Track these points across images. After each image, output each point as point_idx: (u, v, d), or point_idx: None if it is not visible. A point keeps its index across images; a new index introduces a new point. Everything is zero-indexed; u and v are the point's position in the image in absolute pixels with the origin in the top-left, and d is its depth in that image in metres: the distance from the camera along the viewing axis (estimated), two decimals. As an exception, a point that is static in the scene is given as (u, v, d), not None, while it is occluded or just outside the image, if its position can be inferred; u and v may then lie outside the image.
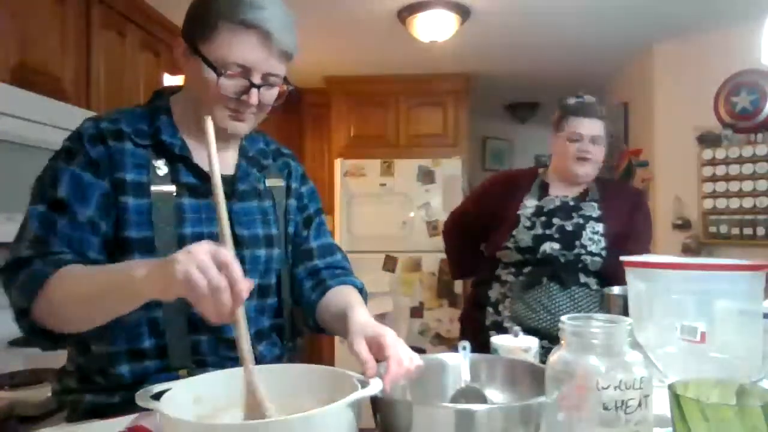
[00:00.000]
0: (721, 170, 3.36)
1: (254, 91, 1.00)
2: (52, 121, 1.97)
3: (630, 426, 0.66)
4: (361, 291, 1.17)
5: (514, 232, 1.77)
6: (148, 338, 0.99)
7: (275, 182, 1.18)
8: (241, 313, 0.77)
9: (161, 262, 0.78)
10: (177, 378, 0.97)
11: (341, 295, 1.10)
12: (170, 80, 2.91)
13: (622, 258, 1.27)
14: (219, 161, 1.07)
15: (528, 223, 1.78)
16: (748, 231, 3.26)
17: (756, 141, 3.26)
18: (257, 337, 1.09)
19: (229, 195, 1.07)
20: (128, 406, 0.93)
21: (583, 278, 1.72)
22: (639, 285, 1.19)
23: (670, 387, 0.67)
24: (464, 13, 3.10)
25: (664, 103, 3.63)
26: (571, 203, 1.80)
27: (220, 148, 1.09)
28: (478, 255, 2.05)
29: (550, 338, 1.48)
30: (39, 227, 0.95)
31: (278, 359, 1.14)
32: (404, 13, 3.11)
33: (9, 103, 1.79)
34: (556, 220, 1.76)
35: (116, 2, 2.48)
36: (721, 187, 3.37)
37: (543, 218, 1.77)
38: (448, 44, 3.38)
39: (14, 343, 2.10)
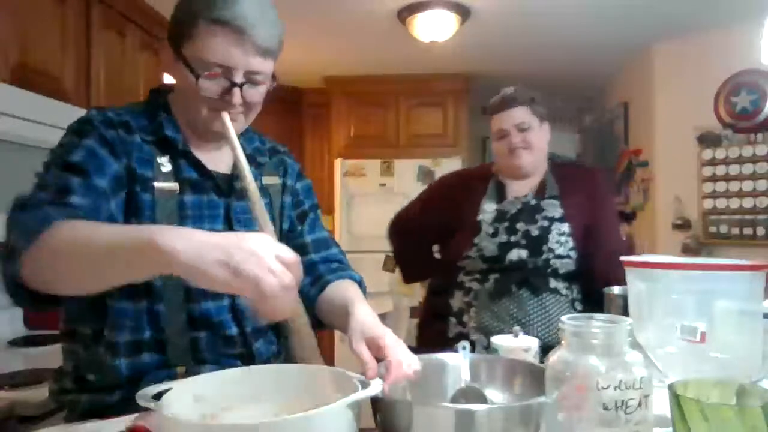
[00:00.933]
0: (721, 170, 3.36)
1: (236, 90, 0.99)
2: (52, 121, 1.97)
3: (630, 426, 0.66)
4: (360, 284, 1.17)
5: (476, 240, 1.69)
6: (148, 331, 0.99)
7: (271, 180, 1.18)
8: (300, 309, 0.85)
9: (214, 254, 0.70)
10: (175, 375, 0.97)
11: (340, 290, 1.10)
12: (170, 80, 2.91)
13: (623, 258, 1.26)
14: (214, 160, 1.08)
15: (491, 230, 1.69)
16: (748, 231, 3.26)
17: (756, 141, 3.26)
18: (255, 334, 1.09)
19: (227, 193, 1.08)
20: (126, 406, 0.93)
21: (552, 283, 1.65)
22: (639, 285, 1.19)
23: (670, 387, 0.67)
24: (464, 13, 3.10)
25: (664, 103, 3.63)
26: (533, 203, 1.72)
27: (214, 147, 1.09)
28: (430, 258, 1.97)
29: None
30: (56, 184, 0.90)
31: (276, 356, 1.14)
32: (404, 13, 3.12)
33: (9, 103, 1.78)
34: (520, 225, 1.68)
35: (116, 2, 2.48)
36: (721, 187, 3.37)
37: (506, 224, 1.69)
38: (448, 44, 3.38)
39: (14, 343, 2.10)
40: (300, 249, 1.18)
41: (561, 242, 1.66)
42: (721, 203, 3.36)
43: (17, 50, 1.94)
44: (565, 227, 1.67)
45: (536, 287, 1.62)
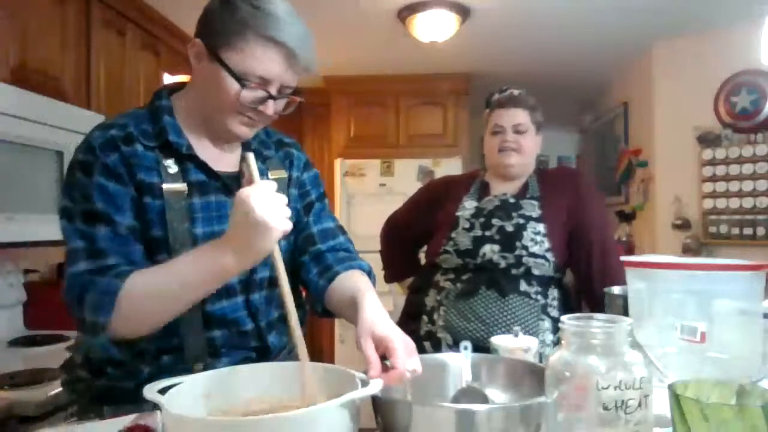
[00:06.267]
0: (721, 170, 3.36)
1: (271, 102, 1.02)
2: (52, 121, 1.97)
3: (630, 426, 0.66)
4: (369, 274, 1.17)
5: (452, 234, 1.69)
6: (165, 338, 1.00)
7: (277, 174, 1.18)
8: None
9: (241, 232, 0.89)
10: (191, 371, 0.98)
11: (350, 282, 1.10)
12: (170, 80, 2.91)
13: (623, 258, 1.27)
14: (219, 160, 1.09)
15: (467, 225, 1.69)
16: (748, 231, 3.26)
17: (756, 141, 3.26)
18: (268, 327, 1.11)
19: (235, 193, 1.09)
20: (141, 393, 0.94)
21: (523, 286, 1.62)
22: (639, 285, 1.19)
23: (670, 387, 0.67)
24: (464, 13, 3.10)
25: (663, 103, 3.63)
26: (512, 200, 1.71)
27: (225, 149, 1.11)
28: (412, 260, 2.00)
29: (482, 350, 1.38)
30: (86, 243, 0.96)
31: (288, 349, 1.16)
32: (404, 13, 3.11)
33: (9, 103, 1.79)
34: (495, 221, 1.67)
35: (116, 2, 2.48)
36: (721, 187, 3.37)
37: (482, 219, 1.69)
38: (448, 44, 3.38)
39: (14, 343, 2.10)
40: (308, 240, 1.19)
41: (536, 241, 1.63)
42: (721, 203, 3.36)
43: (17, 50, 1.94)
44: (541, 227, 1.65)
45: (504, 289, 1.60)
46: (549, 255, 1.63)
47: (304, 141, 4.64)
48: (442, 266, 1.72)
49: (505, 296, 1.60)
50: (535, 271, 1.62)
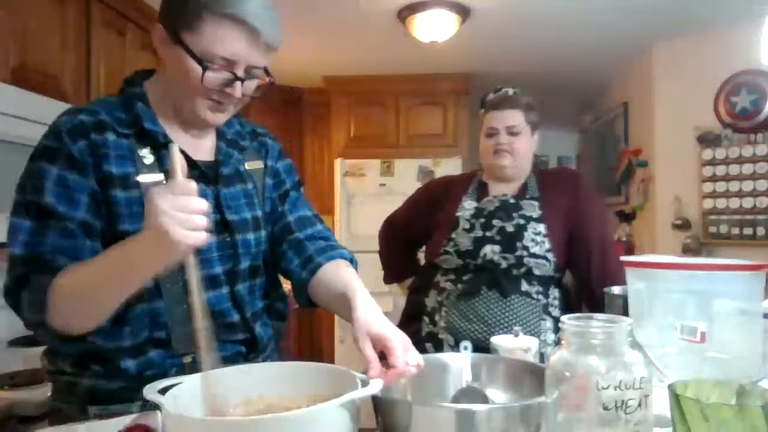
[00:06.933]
0: (721, 170, 3.36)
1: (238, 84, 0.99)
2: (52, 121, 1.97)
3: (630, 426, 0.66)
4: (352, 261, 1.16)
5: (453, 235, 1.69)
6: (151, 330, 0.99)
7: (254, 165, 1.17)
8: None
9: (147, 237, 0.80)
10: (181, 364, 0.99)
11: (336, 275, 1.08)
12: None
13: (623, 258, 1.26)
14: (195, 148, 1.07)
15: (467, 226, 1.69)
16: (748, 231, 3.26)
17: (756, 141, 3.26)
18: (253, 318, 1.10)
19: (215, 180, 1.07)
20: (129, 393, 0.94)
21: (524, 286, 1.61)
22: (639, 285, 1.19)
23: (670, 387, 0.67)
24: (464, 13, 3.10)
25: (663, 103, 3.63)
26: (512, 201, 1.71)
27: (197, 135, 1.09)
28: (411, 261, 1.99)
29: (484, 351, 1.38)
30: (27, 245, 0.93)
31: (272, 338, 1.16)
32: (404, 13, 3.11)
33: (9, 103, 1.79)
34: (496, 222, 1.67)
35: (116, 2, 2.48)
36: (721, 187, 3.37)
37: (483, 220, 1.68)
38: (448, 44, 3.38)
39: (14, 343, 2.10)
40: (284, 229, 1.17)
41: (537, 241, 1.63)
42: (721, 203, 3.36)
43: (17, 50, 1.94)
44: (542, 227, 1.65)
45: (506, 289, 1.60)
46: (549, 255, 1.63)
47: (304, 141, 4.64)
48: (442, 267, 1.71)
49: (506, 296, 1.60)
50: (536, 272, 1.62)
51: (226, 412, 0.81)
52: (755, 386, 0.69)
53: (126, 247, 0.85)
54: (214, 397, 0.80)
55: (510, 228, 1.65)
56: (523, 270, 1.62)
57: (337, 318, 3.94)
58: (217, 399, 0.81)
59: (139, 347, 0.98)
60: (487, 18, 3.18)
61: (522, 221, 1.66)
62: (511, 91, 1.78)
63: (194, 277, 0.80)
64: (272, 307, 1.19)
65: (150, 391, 0.73)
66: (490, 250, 1.63)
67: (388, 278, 2.09)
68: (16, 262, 0.93)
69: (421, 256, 1.94)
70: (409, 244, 1.98)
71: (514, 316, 1.59)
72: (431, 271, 1.75)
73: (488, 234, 1.66)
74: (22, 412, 1.47)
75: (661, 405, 0.71)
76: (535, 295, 1.62)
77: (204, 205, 0.80)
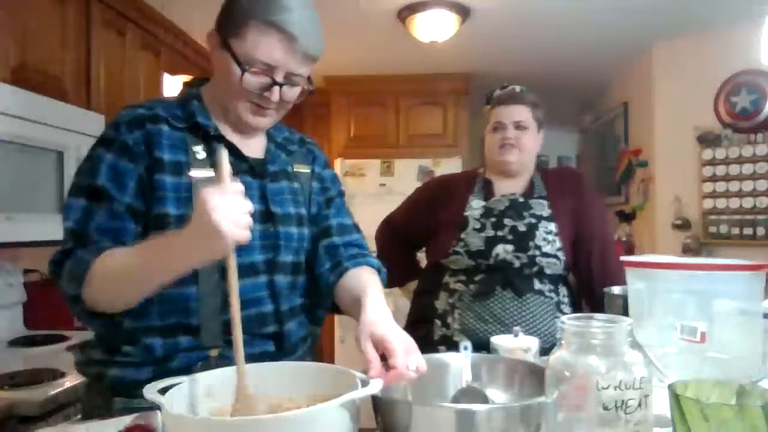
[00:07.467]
0: (721, 170, 3.36)
1: (276, 88, 1.05)
2: (52, 121, 1.97)
3: (630, 426, 0.66)
4: (379, 271, 1.19)
5: (462, 235, 1.67)
6: (183, 316, 1.01)
7: (302, 168, 1.22)
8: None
9: (194, 228, 0.83)
10: (206, 357, 1.00)
11: (357, 280, 1.11)
12: (170, 80, 2.91)
13: (623, 258, 1.27)
14: (247, 147, 1.12)
15: (477, 225, 1.67)
16: (748, 231, 3.26)
17: (756, 141, 3.26)
18: (290, 313, 1.12)
19: (262, 175, 1.12)
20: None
21: (537, 285, 1.62)
22: (639, 285, 1.19)
23: (670, 387, 0.67)
24: (464, 13, 3.10)
25: (663, 103, 3.63)
26: (520, 200, 1.70)
27: (245, 136, 1.14)
28: (412, 263, 1.98)
29: None
30: (78, 221, 0.99)
31: (303, 340, 1.16)
32: (404, 13, 3.11)
33: (9, 103, 1.79)
34: (507, 221, 1.66)
35: (116, 2, 2.48)
36: (721, 187, 3.37)
37: (493, 219, 1.67)
38: (448, 44, 3.38)
39: (14, 343, 2.10)
40: (324, 231, 1.22)
41: (548, 240, 1.64)
42: (721, 203, 3.36)
43: (17, 50, 1.94)
44: (552, 226, 1.66)
45: (520, 288, 1.60)
46: (560, 254, 1.64)
47: (304, 141, 4.63)
48: (450, 267, 1.70)
49: (521, 296, 1.60)
50: (547, 270, 1.63)
51: (227, 412, 0.81)
52: (755, 386, 0.69)
53: (170, 236, 0.90)
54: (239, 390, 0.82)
55: (522, 227, 1.65)
56: (535, 269, 1.62)
57: (337, 318, 3.94)
58: (219, 399, 0.81)
59: (168, 329, 1.01)
60: (487, 18, 3.18)
61: (533, 220, 1.66)
62: (518, 89, 1.79)
63: (233, 272, 0.83)
64: (311, 308, 1.20)
65: (150, 391, 0.74)
66: (503, 250, 1.63)
67: (390, 282, 2.08)
68: (66, 236, 1.00)
69: (421, 256, 1.93)
70: (409, 244, 1.96)
71: (530, 314, 1.59)
72: (437, 273, 1.73)
73: (500, 233, 1.65)
74: (22, 412, 1.47)
75: (661, 405, 0.71)
76: (547, 293, 1.63)
77: (249, 206, 0.84)
